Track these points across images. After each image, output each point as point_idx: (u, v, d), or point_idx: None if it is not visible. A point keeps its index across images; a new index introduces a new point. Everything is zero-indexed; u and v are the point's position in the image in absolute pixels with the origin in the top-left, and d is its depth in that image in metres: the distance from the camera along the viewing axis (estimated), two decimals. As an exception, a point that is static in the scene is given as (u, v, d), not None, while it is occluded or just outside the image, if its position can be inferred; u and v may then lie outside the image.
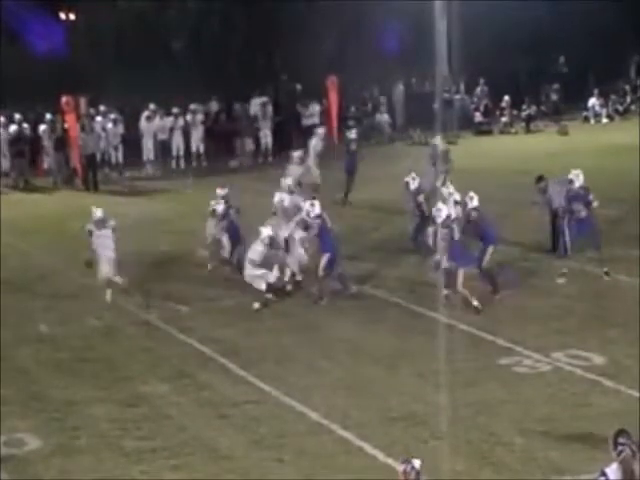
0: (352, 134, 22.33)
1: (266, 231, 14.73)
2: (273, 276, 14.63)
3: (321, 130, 23.20)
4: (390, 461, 9.71)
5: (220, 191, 16.21)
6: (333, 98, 28.43)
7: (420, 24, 27.37)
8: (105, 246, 15.16)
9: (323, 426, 10.59)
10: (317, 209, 14.86)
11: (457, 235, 14.42)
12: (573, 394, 11.18)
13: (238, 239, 15.59)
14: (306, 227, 15.08)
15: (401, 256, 16.77)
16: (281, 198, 15.99)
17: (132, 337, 13.78)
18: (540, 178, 16.73)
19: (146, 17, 28.69)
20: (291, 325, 14.01)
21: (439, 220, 14.40)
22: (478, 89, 30.45)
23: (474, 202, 14.97)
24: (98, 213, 15.34)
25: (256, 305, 14.48)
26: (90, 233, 15.18)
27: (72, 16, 31.50)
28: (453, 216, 14.52)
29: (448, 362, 11.86)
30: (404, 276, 15.86)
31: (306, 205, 15.07)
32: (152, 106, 26.47)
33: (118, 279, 14.96)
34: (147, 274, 16.71)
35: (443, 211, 14.44)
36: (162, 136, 26.82)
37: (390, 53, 29.03)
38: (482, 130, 29.58)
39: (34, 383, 12.20)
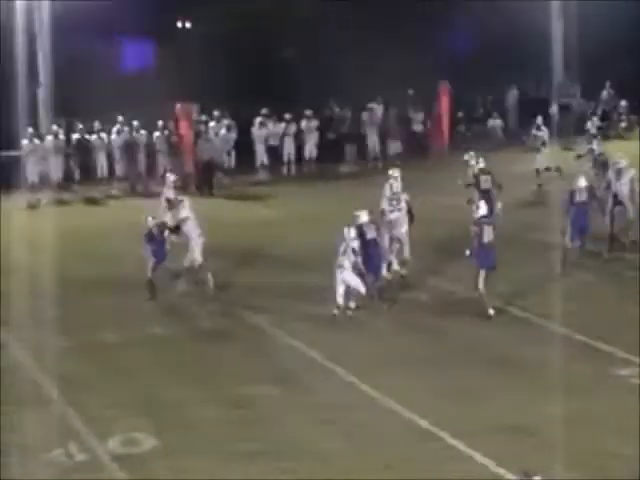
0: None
1: None
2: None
3: None
4: (501, 471, 9.54)
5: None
6: (445, 103, 28.19)
7: (536, 27, 26.87)
8: None
9: (432, 433, 10.47)
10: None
11: (487, 237, 14.21)
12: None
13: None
14: None
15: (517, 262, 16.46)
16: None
17: (241, 340, 13.90)
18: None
19: (259, 23, 29.02)
20: (399, 329, 13.92)
21: (475, 216, 14.44)
22: (604, 92, 29.65)
23: (482, 211, 14.60)
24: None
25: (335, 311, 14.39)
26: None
27: (188, 25, 32.18)
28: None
29: (562, 372, 11.56)
30: (516, 281, 15.59)
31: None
32: (264, 111, 26.75)
33: None
34: (258, 277, 16.88)
35: (482, 209, 14.48)
36: (273, 142, 27.05)
37: (505, 56, 28.55)
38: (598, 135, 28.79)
39: (145, 384, 12.42)
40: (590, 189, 16.67)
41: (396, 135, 27.50)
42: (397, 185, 16.19)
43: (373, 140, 27.50)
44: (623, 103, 29.33)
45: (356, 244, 14.45)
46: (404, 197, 16.18)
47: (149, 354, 13.48)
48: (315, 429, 10.81)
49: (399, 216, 16.00)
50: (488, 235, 14.31)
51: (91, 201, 24.85)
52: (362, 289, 14.49)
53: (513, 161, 24.70)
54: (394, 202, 16.01)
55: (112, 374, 12.74)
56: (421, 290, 15.66)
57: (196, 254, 15.95)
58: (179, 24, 31.94)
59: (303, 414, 11.23)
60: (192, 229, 16.08)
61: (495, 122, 29.22)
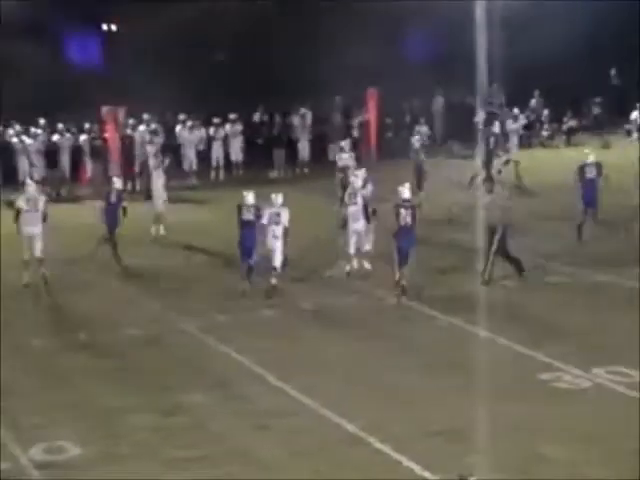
0: None
1: None
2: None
3: None
4: (427, 474, 9.68)
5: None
6: (373, 110, 28.42)
7: (463, 34, 27.24)
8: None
9: (361, 438, 10.57)
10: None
11: (404, 220, 15.39)
12: (615, 410, 11.06)
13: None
14: None
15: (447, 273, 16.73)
16: None
17: (171, 346, 13.83)
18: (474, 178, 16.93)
19: (189, 28, 28.87)
20: (329, 332, 14.01)
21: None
22: (533, 101, 30.15)
23: (405, 194, 15.64)
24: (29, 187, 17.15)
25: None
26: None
27: (114, 27, 31.84)
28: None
29: (488, 376, 11.76)
30: (445, 288, 15.82)
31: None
32: (190, 116, 26.64)
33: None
34: (185, 282, 16.83)
35: (404, 193, 15.59)
36: (201, 146, 26.93)
37: (431, 63, 28.89)
38: (524, 143, 29.33)
39: (75, 391, 12.28)
40: (598, 165, 18.26)
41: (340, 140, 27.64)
42: (358, 182, 17.20)
43: (304, 145, 27.60)
44: (546, 112, 29.92)
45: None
46: (362, 192, 16.95)
47: (79, 360, 13.32)
48: (248, 435, 10.82)
49: (355, 210, 16.75)
50: (404, 218, 15.30)
51: (13, 205, 24.35)
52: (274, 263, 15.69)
53: (441, 167, 25.03)
54: (352, 196, 16.92)
55: (40, 381, 12.57)
56: (350, 292, 15.80)
57: (35, 249, 16.53)
58: (104, 26, 31.56)
59: (236, 420, 11.23)
60: (27, 221, 16.59)
61: (421, 129, 29.54)
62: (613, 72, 30.84)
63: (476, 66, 26.79)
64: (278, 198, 15.84)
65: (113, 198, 17.96)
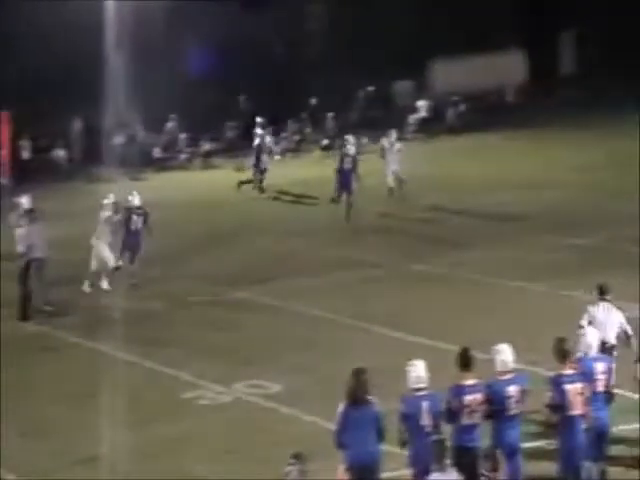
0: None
1: None
2: None
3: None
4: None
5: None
6: (5, 132, 27.43)
7: (96, 57, 27.17)
8: None
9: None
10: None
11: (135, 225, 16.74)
12: (254, 423, 11.60)
13: None
14: None
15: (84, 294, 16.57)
16: None
17: None
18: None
19: None
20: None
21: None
22: (169, 124, 30.53)
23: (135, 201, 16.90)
24: None
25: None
26: None
27: None
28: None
29: (132, 400, 11.85)
30: (86, 314, 15.70)
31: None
32: None
33: None
34: None
35: (135, 198, 16.92)
36: None
37: (67, 86, 28.42)
38: (162, 166, 29.77)
39: None
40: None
41: None
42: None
43: None
44: (183, 136, 30.56)
45: None
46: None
47: None
48: None
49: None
50: (135, 223, 16.72)
51: None
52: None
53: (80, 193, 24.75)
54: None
55: None
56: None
57: None
58: None
59: None
60: None
61: (59, 153, 28.97)
62: (242, 98, 32.29)
63: (110, 89, 26.87)
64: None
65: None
